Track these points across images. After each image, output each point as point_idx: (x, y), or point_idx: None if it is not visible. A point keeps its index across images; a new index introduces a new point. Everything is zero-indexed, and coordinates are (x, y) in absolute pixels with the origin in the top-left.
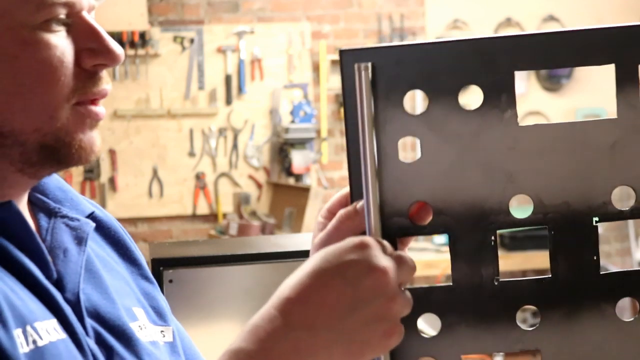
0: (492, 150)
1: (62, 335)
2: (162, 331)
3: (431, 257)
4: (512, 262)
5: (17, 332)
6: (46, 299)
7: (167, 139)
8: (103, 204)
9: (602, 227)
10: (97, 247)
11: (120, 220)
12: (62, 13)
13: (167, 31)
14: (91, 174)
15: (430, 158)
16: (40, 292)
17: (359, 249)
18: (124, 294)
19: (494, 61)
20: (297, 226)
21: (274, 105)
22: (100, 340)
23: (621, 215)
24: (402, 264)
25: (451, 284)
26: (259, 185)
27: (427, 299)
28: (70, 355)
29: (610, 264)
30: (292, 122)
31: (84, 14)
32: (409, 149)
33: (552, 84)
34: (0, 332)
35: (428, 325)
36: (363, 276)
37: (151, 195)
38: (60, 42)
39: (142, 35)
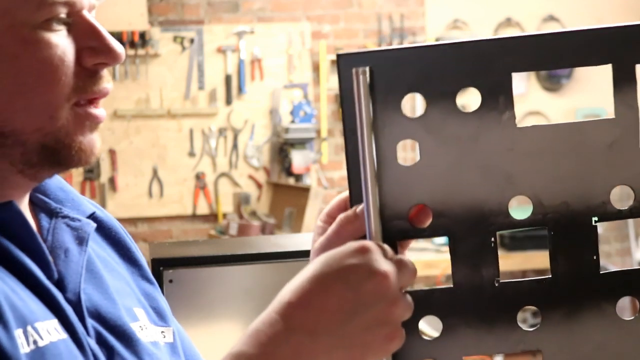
0: (490, 152)
1: (63, 335)
2: (162, 332)
3: (431, 257)
4: (512, 262)
5: (18, 333)
6: (47, 299)
7: (167, 139)
8: (103, 204)
9: (602, 227)
10: (97, 247)
11: (120, 220)
12: (62, 12)
13: (167, 31)
14: (91, 174)
15: (429, 161)
16: (41, 292)
17: (359, 253)
18: (125, 295)
19: (491, 63)
20: (297, 226)
21: (274, 105)
22: (101, 341)
23: (620, 215)
24: (403, 267)
25: (452, 285)
26: (259, 185)
27: (428, 301)
28: (71, 355)
29: (610, 264)
30: (292, 122)
31: (85, 12)
32: (409, 149)
33: (552, 84)
34: (1, 333)
35: (430, 326)
36: (364, 280)
37: (151, 195)
38: (61, 41)
39: (142, 35)
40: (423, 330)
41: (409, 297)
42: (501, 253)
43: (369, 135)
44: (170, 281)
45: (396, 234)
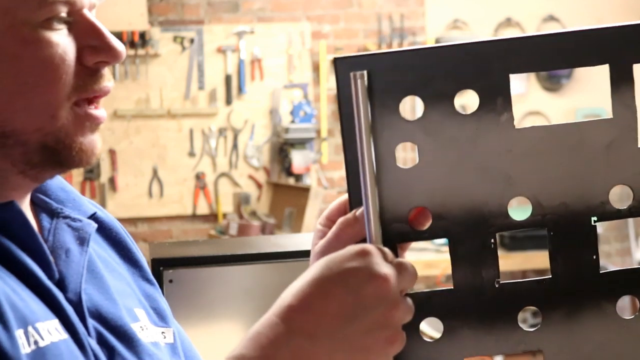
0: (489, 153)
1: (63, 335)
2: (162, 332)
3: (431, 257)
4: (512, 262)
5: (19, 333)
6: (48, 299)
7: (167, 139)
8: (103, 204)
9: (601, 227)
10: (98, 248)
11: (120, 220)
12: (63, 11)
13: (167, 31)
14: (91, 174)
15: (428, 163)
16: (42, 293)
17: (360, 256)
18: (126, 295)
19: (489, 65)
20: (297, 226)
21: (274, 105)
22: (102, 341)
23: (619, 214)
24: (403, 271)
25: (452, 287)
26: (259, 185)
27: (428, 303)
28: (72, 356)
29: (610, 263)
30: (292, 122)
31: (85, 11)
32: (408, 149)
33: (552, 84)
34: (2, 333)
35: (431, 327)
36: (364, 284)
37: (151, 195)
38: (62, 40)
39: (142, 35)
40: (424, 331)
41: (409, 300)
42: (501, 253)
43: (368, 139)
44: (170, 281)
45: (396, 236)
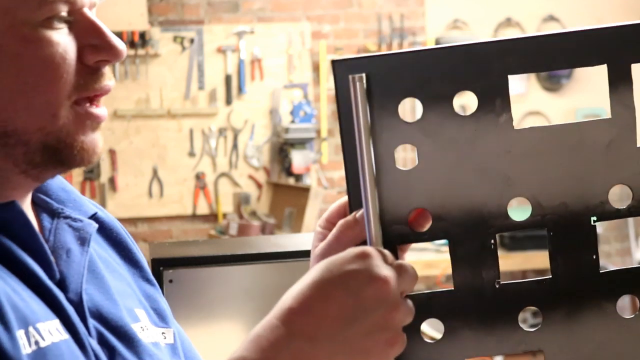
0: (488, 154)
1: (64, 335)
2: (163, 333)
3: (431, 257)
4: (512, 262)
5: (20, 333)
6: (49, 299)
7: (167, 139)
8: (103, 204)
9: (602, 227)
10: (99, 248)
11: (120, 220)
12: (63, 10)
13: (167, 31)
14: (91, 174)
15: (427, 164)
16: (43, 293)
17: (360, 259)
18: (126, 295)
19: (487, 66)
20: (297, 226)
21: (274, 105)
22: (102, 341)
23: (619, 214)
24: (403, 272)
25: (452, 288)
26: (259, 185)
27: (429, 304)
28: (73, 356)
29: (610, 263)
30: (292, 122)
31: (86, 10)
32: (408, 149)
33: (552, 84)
34: (3, 334)
35: (432, 329)
36: (364, 286)
37: (151, 195)
38: (62, 39)
39: (142, 35)
40: (425, 332)
41: (409, 302)
42: (501, 253)
43: (367, 141)
44: (170, 281)
45: (396, 238)
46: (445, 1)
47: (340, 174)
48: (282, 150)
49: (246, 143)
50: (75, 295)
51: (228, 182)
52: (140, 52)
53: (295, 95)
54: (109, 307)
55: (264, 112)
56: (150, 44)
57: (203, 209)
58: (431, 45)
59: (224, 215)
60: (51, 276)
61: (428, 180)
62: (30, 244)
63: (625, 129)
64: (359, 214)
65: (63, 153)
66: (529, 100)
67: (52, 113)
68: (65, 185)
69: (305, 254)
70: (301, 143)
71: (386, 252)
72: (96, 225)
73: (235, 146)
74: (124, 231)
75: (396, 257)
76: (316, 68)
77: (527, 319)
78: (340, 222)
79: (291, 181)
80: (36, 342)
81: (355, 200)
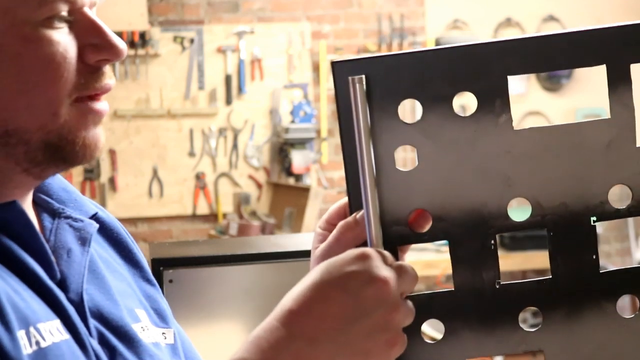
0: (488, 155)
1: (65, 336)
2: (163, 333)
3: (431, 257)
4: (512, 262)
5: (21, 334)
6: (50, 299)
7: (167, 139)
8: (103, 204)
9: (601, 227)
10: (99, 248)
11: (120, 220)
12: (63, 10)
13: (167, 31)
14: (91, 174)
15: (427, 165)
16: (44, 293)
17: (359, 260)
18: (127, 296)
19: (486, 67)
20: (297, 226)
21: (274, 105)
22: (103, 341)
23: (618, 214)
24: (403, 273)
25: (453, 288)
26: (259, 185)
27: (429, 305)
28: (74, 356)
29: (610, 263)
30: (292, 122)
31: (86, 9)
32: (408, 150)
33: (552, 84)
34: (4, 334)
35: (433, 329)
36: (364, 287)
37: (151, 195)
38: (63, 38)
39: (142, 35)
40: (425, 332)
41: (409, 303)
42: (501, 253)
43: (367, 143)
44: (170, 281)
45: (396, 239)
46: (445, 1)
47: (340, 174)
48: (282, 150)
49: (246, 143)
50: (75, 295)
51: (228, 182)
52: (140, 52)
53: (295, 95)
54: (109, 307)
55: (264, 112)
56: (150, 44)
57: (203, 209)
58: (431, 45)
59: (224, 215)
60: (52, 276)
61: (428, 181)
62: (31, 244)
63: (625, 129)
64: (359, 215)
65: (65, 150)
66: (529, 100)
67: (53, 112)
68: (66, 185)
69: (305, 254)
70: (301, 143)
71: (386, 253)
72: (97, 226)
73: (235, 146)
74: (124, 231)
75: (396, 258)
76: (316, 68)
77: (527, 319)
78: (341, 223)
79: (291, 181)
80: (37, 342)
81: (355, 202)
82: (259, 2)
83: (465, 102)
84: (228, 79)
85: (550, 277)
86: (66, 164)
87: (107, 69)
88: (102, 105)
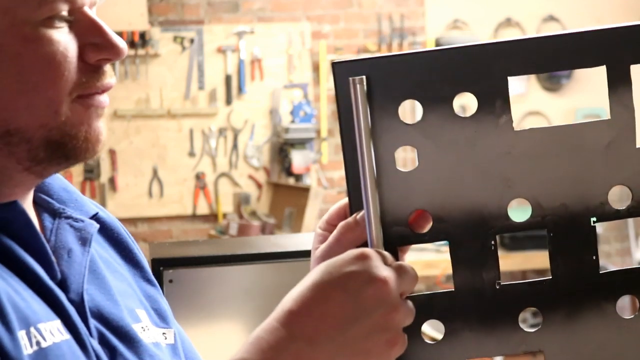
0: (488, 156)
1: (65, 336)
2: (163, 333)
3: (431, 257)
4: (512, 263)
5: (21, 334)
6: (50, 299)
7: (167, 139)
8: (103, 204)
9: (601, 227)
10: (100, 248)
11: (121, 220)
12: (63, 9)
13: (167, 31)
14: (91, 174)
15: (427, 166)
16: (44, 293)
17: (359, 260)
18: (127, 296)
19: (487, 67)
20: (297, 226)
21: (274, 105)
22: (103, 341)
23: (618, 215)
24: (403, 273)
25: (453, 289)
26: (259, 185)
27: (429, 305)
28: (74, 356)
29: (610, 264)
30: (292, 122)
31: (86, 9)
32: (408, 150)
33: (552, 84)
34: (4, 335)
35: (433, 329)
36: (364, 287)
37: (151, 195)
38: (63, 38)
39: (142, 35)
40: (425, 333)
41: (409, 303)
42: (501, 253)
43: (368, 143)
44: (170, 281)
45: (396, 239)
46: (445, 1)
47: (340, 174)
48: (282, 150)
49: (246, 143)
50: (76, 295)
51: (228, 182)
52: (140, 52)
53: (295, 95)
54: (110, 307)
55: (264, 112)
56: (150, 44)
57: (203, 209)
58: (431, 45)
59: (224, 215)
60: (52, 276)
61: (428, 182)
62: (31, 244)
63: (625, 129)
64: (359, 215)
65: (67, 146)
66: (529, 100)
67: (54, 111)
68: (66, 185)
69: (305, 254)
70: (301, 143)
71: (385, 253)
72: (97, 226)
73: (235, 146)
74: (125, 231)
75: (396, 258)
76: (316, 68)
77: (527, 319)
78: (341, 224)
79: (291, 181)
80: (37, 343)
81: (355, 202)
82: (259, 2)
83: (465, 103)
84: (228, 79)
85: (550, 277)
86: (68, 161)
87: (108, 68)
88: (102, 97)
